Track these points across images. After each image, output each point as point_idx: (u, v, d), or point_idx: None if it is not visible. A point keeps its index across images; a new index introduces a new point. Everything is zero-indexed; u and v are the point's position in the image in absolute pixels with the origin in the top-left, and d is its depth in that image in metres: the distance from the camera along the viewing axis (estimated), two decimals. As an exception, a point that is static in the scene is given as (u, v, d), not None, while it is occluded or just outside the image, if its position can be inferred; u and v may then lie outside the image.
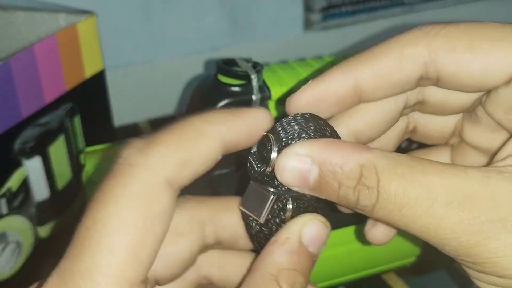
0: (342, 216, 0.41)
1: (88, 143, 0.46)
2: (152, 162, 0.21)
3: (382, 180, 0.21)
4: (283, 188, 0.24)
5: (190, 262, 0.25)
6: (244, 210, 0.25)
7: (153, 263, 0.21)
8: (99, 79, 0.47)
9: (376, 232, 0.28)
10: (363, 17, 0.74)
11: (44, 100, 0.42)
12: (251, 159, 0.24)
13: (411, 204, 0.21)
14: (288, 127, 0.23)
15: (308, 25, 0.72)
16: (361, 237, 0.41)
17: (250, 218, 0.25)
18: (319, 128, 0.23)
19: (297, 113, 0.24)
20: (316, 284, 0.42)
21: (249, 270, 0.24)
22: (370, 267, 0.43)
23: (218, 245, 0.26)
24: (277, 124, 0.24)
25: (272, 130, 0.24)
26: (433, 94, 0.27)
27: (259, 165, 0.24)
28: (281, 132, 0.23)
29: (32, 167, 0.41)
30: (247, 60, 0.37)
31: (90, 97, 0.46)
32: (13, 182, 0.40)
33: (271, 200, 0.24)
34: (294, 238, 0.23)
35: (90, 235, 0.20)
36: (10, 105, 0.39)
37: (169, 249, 0.24)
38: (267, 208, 0.24)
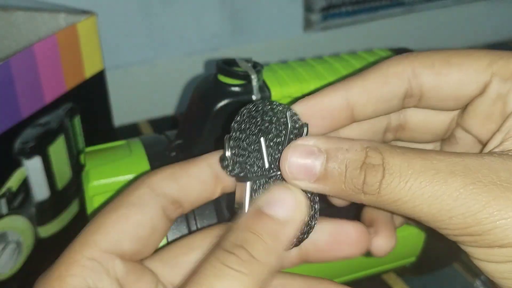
0: (342, 216, 0.41)
1: (88, 143, 0.46)
2: (144, 176, 0.26)
3: (386, 156, 0.22)
4: (256, 174, 0.25)
5: (157, 230, 0.26)
6: (237, 207, 0.26)
7: (124, 240, 0.24)
8: (99, 79, 0.47)
9: (379, 241, 0.29)
10: (363, 17, 0.74)
11: (44, 100, 0.42)
12: (220, 163, 0.26)
13: (416, 175, 0.22)
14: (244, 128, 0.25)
15: (308, 25, 0.72)
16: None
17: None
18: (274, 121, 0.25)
19: (244, 112, 0.25)
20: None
21: None
22: (370, 267, 0.43)
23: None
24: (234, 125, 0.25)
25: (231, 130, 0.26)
26: (414, 116, 0.29)
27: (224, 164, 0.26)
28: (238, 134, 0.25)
29: (32, 167, 0.41)
30: (247, 60, 0.37)
31: (90, 97, 0.46)
32: (13, 182, 0.40)
33: (248, 188, 0.25)
34: (253, 206, 0.24)
35: None
36: (10, 105, 0.39)
37: (120, 220, 0.26)
38: (247, 197, 0.25)
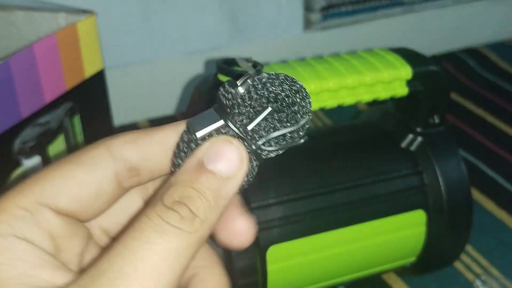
0: (342, 216, 0.41)
1: (88, 143, 0.46)
2: (106, 138, 0.25)
3: None
4: (234, 123, 0.23)
5: (104, 196, 0.24)
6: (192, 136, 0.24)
7: (63, 196, 0.23)
8: (99, 78, 0.47)
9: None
10: (363, 17, 0.74)
11: (44, 100, 0.42)
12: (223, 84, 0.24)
13: None
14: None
15: (308, 25, 0.72)
16: (361, 237, 0.41)
17: None
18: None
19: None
20: (316, 284, 0.42)
21: None
22: (370, 267, 0.43)
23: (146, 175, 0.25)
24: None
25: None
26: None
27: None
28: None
29: (32, 167, 0.41)
30: (247, 60, 0.37)
31: (90, 96, 0.46)
32: (13, 181, 0.40)
33: (216, 124, 0.23)
34: (189, 160, 0.22)
35: None
36: (10, 104, 0.39)
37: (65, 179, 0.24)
38: (206, 130, 0.23)
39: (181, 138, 0.24)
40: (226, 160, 0.22)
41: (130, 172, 0.24)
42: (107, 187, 0.24)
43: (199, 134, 0.23)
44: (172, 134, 0.24)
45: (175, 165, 0.23)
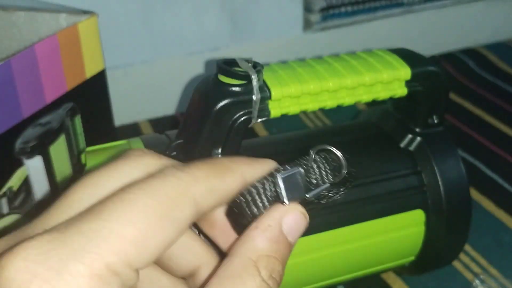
0: (341, 215, 0.41)
1: (89, 143, 0.46)
2: (186, 178, 0.22)
3: None
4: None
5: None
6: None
7: (148, 261, 0.20)
8: (100, 79, 0.47)
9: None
10: (363, 18, 0.74)
11: (45, 100, 0.42)
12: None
13: None
14: None
15: (307, 25, 0.72)
16: (360, 237, 0.41)
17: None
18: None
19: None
20: (316, 283, 0.42)
21: (228, 254, 0.23)
22: (369, 267, 0.43)
23: None
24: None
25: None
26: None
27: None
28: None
29: (33, 167, 0.41)
30: (247, 60, 0.37)
31: (91, 96, 0.46)
32: (14, 181, 0.40)
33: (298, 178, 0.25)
34: (275, 226, 0.24)
35: (104, 206, 0.20)
36: (11, 104, 0.39)
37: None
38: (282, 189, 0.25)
39: (263, 186, 0.24)
40: (300, 233, 0.25)
41: (200, 216, 0.23)
42: None
43: (288, 201, 0.25)
44: (238, 183, 0.24)
45: (249, 212, 0.24)
